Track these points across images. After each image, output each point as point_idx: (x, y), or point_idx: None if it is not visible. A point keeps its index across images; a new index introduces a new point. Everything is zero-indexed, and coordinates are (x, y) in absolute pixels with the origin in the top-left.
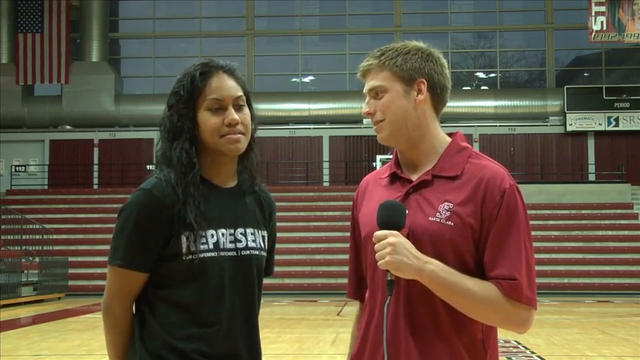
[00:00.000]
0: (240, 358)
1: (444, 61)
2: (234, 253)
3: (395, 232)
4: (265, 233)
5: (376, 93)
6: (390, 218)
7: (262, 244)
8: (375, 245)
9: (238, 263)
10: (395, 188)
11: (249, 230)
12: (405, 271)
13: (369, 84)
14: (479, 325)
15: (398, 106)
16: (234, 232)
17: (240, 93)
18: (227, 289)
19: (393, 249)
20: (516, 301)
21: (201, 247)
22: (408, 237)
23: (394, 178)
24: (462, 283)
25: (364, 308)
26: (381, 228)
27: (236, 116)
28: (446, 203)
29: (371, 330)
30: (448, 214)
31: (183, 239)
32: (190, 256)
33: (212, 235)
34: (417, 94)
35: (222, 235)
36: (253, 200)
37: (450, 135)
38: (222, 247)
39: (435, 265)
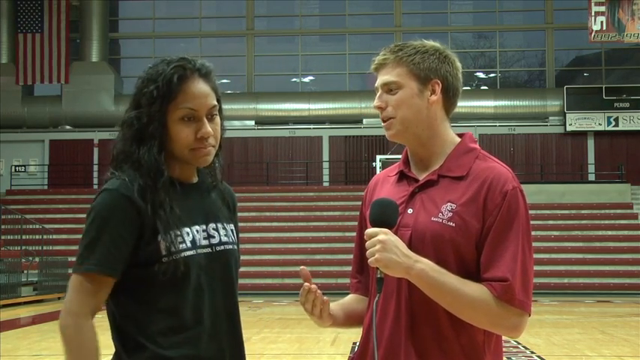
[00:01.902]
0: (225, 355)
1: (459, 65)
2: (209, 250)
3: (385, 229)
4: (233, 227)
5: (390, 88)
6: (382, 216)
7: (234, 238)
8: (366, 243)
9: (214, 259)
10: (402, 187)
11: (220, 225)
12: (393, 269)
13: (382, 78)
14: (480, 328)
15: (411, 104)
16: (207, 227)
17: (215, 102)
18: (205, 288)
19: (383, 246)
20: (507, 304)
21: (180, 246)
22: (410, 236)
23: (402, 176)
24: (451, 283)
25: (367, 307)
26: (373, 226)
27: (209, 129)
28: (449, 204)
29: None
30: (450, 214)
31: (161, 241)
32: (171, 257)
33: (188, 233)
34: (431, 94)
35: (197, 232)
36: (217, 195)
37: (460, 135)
38: (198, 244)
39: (424, 264)
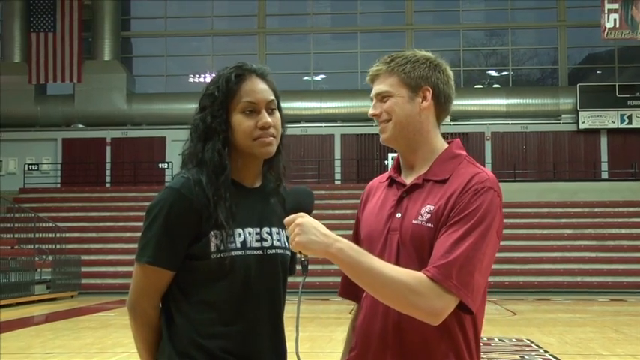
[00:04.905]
0: (264, 356)
1: (451, 73)
2: (260, 252)
3: (302, 213)
4: (288, 233)
5: (383, 97)
6: (297, 204)
7: (287, 244)
8: (287, 230)
9: (264, 262)
10: (392, 192)
11: (274, 230)
12: (314, 249)
13: (376, 88)
14: (468, 334)
15: (402, 108)
16: (260, 231)
17: (272, 97)
18: (253, 288)
19: (301, 229)
20: (439, 284)
21: (230, 245)
22: (398, 240)
23: (392, 182)
24: (369, 262)
25: (357, 311)
26: (290, 214)
27: (269, 119)
28: (428, 206)
29: (362, 330)
30: (429, 216)
31: (212, 238)
32: (219, 255)
33: (239, 234)
34: (422, 100)
35: (249, 234)
36: (277, 200)
37: (448, 142)
38: (248, 245)
39: (344, 243)
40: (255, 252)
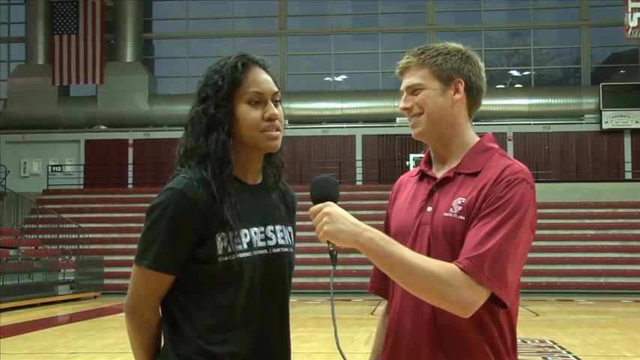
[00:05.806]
0: (274, 357)
1: (482, 65)
2: (266, 252)
3: (329, 202)
4: (291, 229)
5: (414, 90)
6: (324, 192)
7: (291, 241)
8: (313, 220)
9: (269, 261)
10: (422, 186)
11: (277, 227)
12: (343, 239)
13: (407, 81)
14: (503, 328)
15: (435, 101)
16: (265, 229)
17: (277, 89)
18: (258, 289)
19: (329, 218)
20: (471, 276)
21: (237, 247)
22: (429, 233)
23: (422, 176)
24: (400, 253)
25: (389, 308)
26: (316, 203)
27: (276, 111)
28: (459, 198)
29: (392, 326)
30: (460, 208)
31: (219, 240)
32: (227, 257)
33: (245, 235)
34: (455, 93)
35: (255, 233)
36: (278, 196)
37: (480, 136)
38: (254, 245)
39: (373, 233)
40: (261, 252)
